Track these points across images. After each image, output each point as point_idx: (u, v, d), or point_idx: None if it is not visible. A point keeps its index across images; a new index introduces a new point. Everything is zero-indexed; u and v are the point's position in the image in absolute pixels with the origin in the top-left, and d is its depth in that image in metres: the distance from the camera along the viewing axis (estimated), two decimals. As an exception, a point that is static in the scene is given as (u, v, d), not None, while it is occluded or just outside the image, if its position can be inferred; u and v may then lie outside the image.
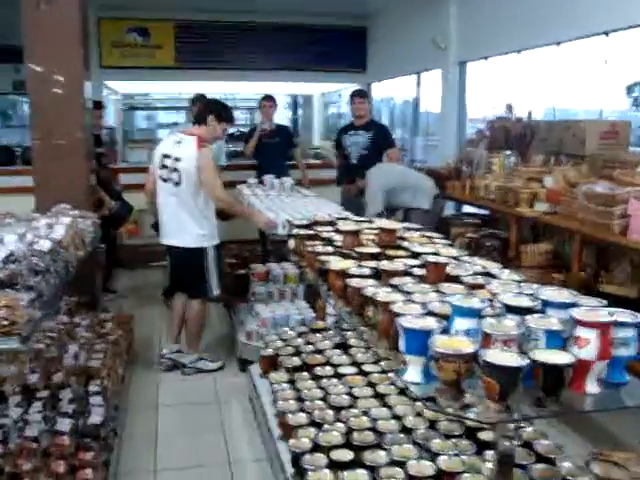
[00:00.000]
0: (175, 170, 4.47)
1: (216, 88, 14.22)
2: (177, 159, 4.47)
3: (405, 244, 3.04)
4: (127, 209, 5.89)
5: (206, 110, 4.62)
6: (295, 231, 3.56)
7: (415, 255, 2.86)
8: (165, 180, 4.54)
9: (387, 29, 12.22)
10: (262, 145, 7.29)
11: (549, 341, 1.86)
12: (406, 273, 2.57)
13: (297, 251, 3.49)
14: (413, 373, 1.96)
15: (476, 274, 2.60)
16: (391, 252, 2.89)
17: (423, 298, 2.23)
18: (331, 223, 3.68)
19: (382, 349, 2.27)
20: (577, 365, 1.79)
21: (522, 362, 1.71)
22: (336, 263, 2.74)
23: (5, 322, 2.25)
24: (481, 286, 2.38)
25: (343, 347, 4.00)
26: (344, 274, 2.62)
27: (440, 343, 1.83)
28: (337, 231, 3.46)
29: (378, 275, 2.59)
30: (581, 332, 1.86)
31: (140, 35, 12.30)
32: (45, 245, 2.97)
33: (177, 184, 4.47)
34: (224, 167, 7.07)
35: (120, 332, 4.40)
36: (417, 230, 3.50)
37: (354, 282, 2.49)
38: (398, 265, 2.63)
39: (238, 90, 14.71)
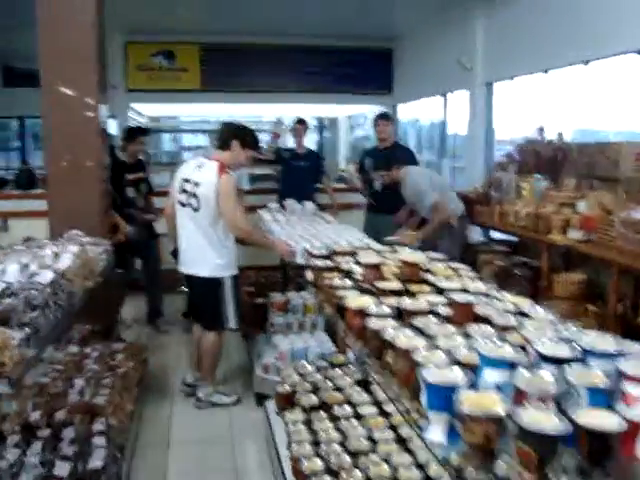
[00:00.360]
0: (194, 195, 4.32)
1: (241, 111, 14.17)
2: (196, 184, 4.31)
3: (429, 278, 2.82)
4: (143, 234, 5.74)
5: (230, 135, 4.46)
6: (313, 262, 3.36)
7: (440, 291, 2.64)
8: (184, 205, 4.39)
9: (413, 50, 12.10)
10: (289, 168, 7.13)
11: (593, 399, 1.62)
12: (430, 312, 2.35)
13: (315, 283, 3.29)
14: (437, 432, 1.74)
15: (507, 312, 2.37)
16: (414, 287, 2.67)
17: (448, 343, 2.00)
18: (352, 253, 3.47)
19: (403, 399, 2.04)
20: (626, 427, 1.55)
21: (562, 428, 1.47)
22: (354, 300, 2.53)
23: (-8, 364, 2.07)
24: (513, 328, 2.15)
25: (364, 384, 3.77)
26: (362, 313, 2.41)
27: (467, 401, 1.60)
28: (357, 263, 3.26)
29: (400, 314, 2.37)
30: (630, 388, 1.63)
31: (166, 58, 12.30)
32: (46, 277, 2.80)
33: (196, 210, 4.32)
34: (246, 191, 6.94)
35: (131, 364, 4.22)
36: (442, 261, 3.29)
37: (372, 322, 2.27)
38: (421, 304, 2.41)
39: (263, 113, 14.63)
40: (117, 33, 11.84)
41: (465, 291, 2.64)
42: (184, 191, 4.39)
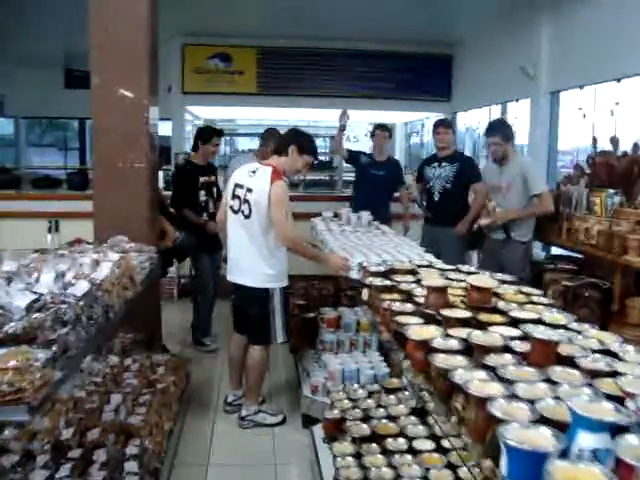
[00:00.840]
0: (246, 202, 4.12)
1: (297, 115, 13.99)
2: (249, 190, 4.11)
3: (500, 305, 2.51)
4: (193, 240, 5.52)
5: (288, 140, 4.27)
6: (369, 280, 3.08)
7: (514, 321, 2.33)
8: (235, 211, 4.19)
9: (473, 57, 11.76)
10: (365, 176, 6.77)
11: None
12: (505, 348, 2.05)
13: (371, 303, 3.02)
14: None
15: (593, 352, 2.06)
16: (484, 316, 2.37)
17: (530, 392, 1.70)
18: (412, 272, 3.19)
19: (474, 454, 1.75)
20: None
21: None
22: (417, 330, 2.24)
23: (10, 389, 1.85)
24: (605, 374, 1.84)
25: (420, 413, 3.47)
26: (426, 346, 2.13)
27: (560, 474, 1.31)
28: (418, 282, 2.98)
29: (469, 349, 2.08)
30: None
31: (222, 61, 12.23)
32: (82, 288, 2.59)
33: (247, 217, 4.11)
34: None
35: (172, 378, 4.01)
36: (512, 283, 2.97)
37: (439, 360, 1.98)
38: (495, 338, 2.10)
39: (320, 117, 14.43)
40: (175, 35, 11.81)
41: (542, 323, 2.34)
42: (236, 197, 4.18)
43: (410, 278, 3.09)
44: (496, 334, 2.13)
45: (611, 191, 5.16)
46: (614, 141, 5.51)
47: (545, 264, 5.54)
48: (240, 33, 11.48)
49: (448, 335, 2.18)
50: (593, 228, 4.74)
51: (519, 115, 10.18)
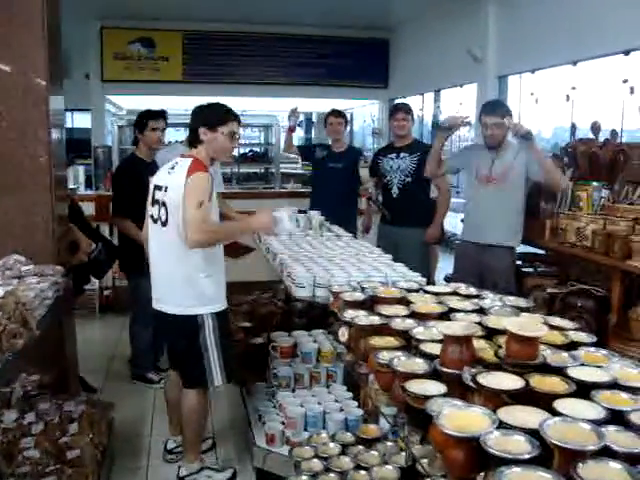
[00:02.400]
0: (163, 205, 3.24)
1: (226, 103, 13.08)
2: (166, 189, 3.24)
3: (551, 359, 1.77)
4: (112, 252, 4.60)
5: (193, 125, 3.33)
6: (349, 316, 2.30)
7: (582, 387, 1.60)
8: (155, 220, 3.32)
9: (413, 40, 11.22)
10: (322, 171, 5.89)
11: None
12: (604, 450, 1.31)
13: (354, 349, 2.24)
14: None
15: None
16: (537, 382, 1.63)
17: None
18: (401, 301, 2.43)
19: None
20: None
21: None
22: (453, 416, 1.47)
23: None
24: None
25: (411, 475, 2.72)
26: (471, 445, 1.37)
27: None
28: (414, 315, 2.23)
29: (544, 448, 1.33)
30: None
31: (145, 46, 11.30)
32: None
33: (164, 224, 3.24)
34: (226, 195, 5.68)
35: (89, 437, 3.12)
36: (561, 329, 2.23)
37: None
38: (581, 431, 1.35)
39: (251, 107, 13.59)
40: (91, 17, 10.78)
41: (618, 386, 1.62)
42: (155, 202, 3.32)
43: (402, 310, 2.33)
44: (583, 425, 1.38)
45: (596, 184, 4.54)
46: (595, 127, 4.89)
47: (522, 267, 4.88)
48: (164, 16, 10.60)
49: (503, 424, 1.42)
50: (587, 228, 4.09)
51: (464, 101, 9.67)
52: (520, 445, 1.34)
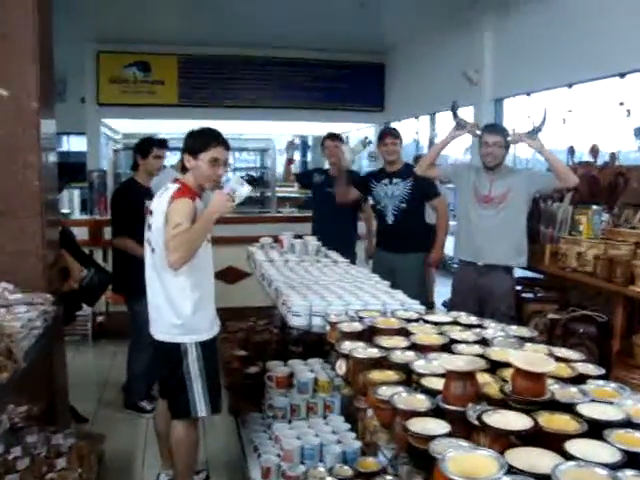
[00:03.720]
0: (150, 229, 3.23)
1: (222, 127, 13.04)
2: (151, 213, 3.24)
3: (560, 395, 1.69)
4: (104, 278, 4.51)
5: (182, 151, 3.29)
6: (347, 348, 2.22)
7: (593, 426, 1.51)
8: (149, 244, 3.27)
9: (408, 64, 11.25)
10: (321, 196, 5.76)
11: None
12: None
13: (352, 382, 2.16)
14: None
15: None
16: (547, 421, 1.54)
17: None
18: (399, 332, 2.34)
19: None
20: None
21: None
22: (459, 461, 1.38)
23: None
24: None
25: (411, 512, 2.61)
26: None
27: None
28: (415, 347, 2.14)
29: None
30: None
31: (140, 70, 11.31)
32: None
33: (153, 250, 3.20)
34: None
35: (77, 474, 3.00)
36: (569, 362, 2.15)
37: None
38: (592, 476, 1.27)
39: (247, 130, 13.58)
40: (87, 42, 10.78)
41: (631, 424, 1.53)
42: (149, 226, 3.27)
43: (401, 341, 2.25)
44: (598, 471, 1.29)
45: (596, 207, 4.48)
46: (594, 151, 4.85)
47: (522, 292, 4.80)
48: (159, 40, 10.64)
49: (513, 469, 1.33)
50: (588, 252, 4.02)
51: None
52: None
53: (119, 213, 4.72)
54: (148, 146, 4.74)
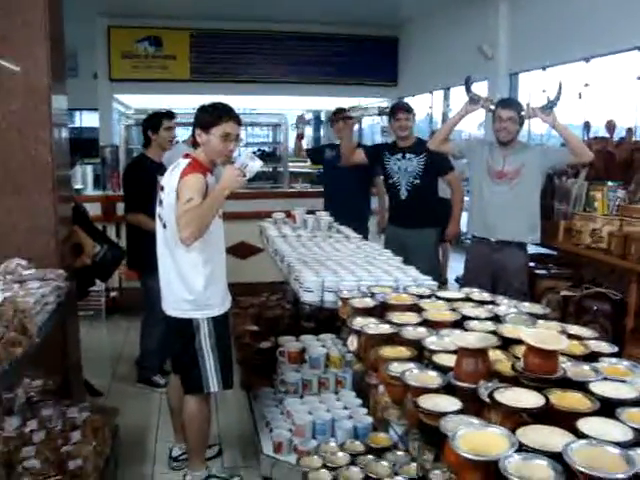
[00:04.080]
0: (160, 204, 3.24)
1: (234, 102, 12.99)
2: (162, 189, 3.23)
3: (572, 373, 1.68)
4: (117, 254, 4.53)
5: (193, 126, 3.28)
6: (359, 324, 2.22)
7: (606, 404, 1.51)
8: (160, 220, 3.27)
9: (422, 39, 11.12)
10: (332, 171, 5.77)
11: None
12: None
13: (364, 358, 2.16)
14: None
15: None
16: (558, 399, 1.54)
17: None
18: (411, 308, 2.34)
19: None
20: None
21: None
22: (471, 437, 1.38)
23: None
24: None
25: (422, 486, 2.63)
26: (487, 468, 1.28)
27: None
28: (427, 323, 2.14)
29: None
30: None
31: (152, 45, 11.24)
32: None
33: (164, 226, 3.20)
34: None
35: (92, 445, 3.04)
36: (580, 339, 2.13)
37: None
38: (611, 458, 1.26)
39: (259, 105, 13.51)
40: (98, 17, 10.73)
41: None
42: (160, 202, 3.27)
43: (413, 317, 2.24)
44: (610, 449, 1.29)
45: (611, 184, 4.43)
46: (610, 126, 4.78)
47: (535, 269, 4.77)
48: (171, 14, 10.55)
49: (524, 447, 1.32)
50: (602, 229, 3.99)
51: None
52: (542, 470, 1.25)
53: (131, 189, 4.72)
54: (157, 120, 4.74)
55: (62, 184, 3.70)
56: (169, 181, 3.15)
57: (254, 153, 3.40)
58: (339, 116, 5.67)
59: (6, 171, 3.40)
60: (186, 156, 3.25)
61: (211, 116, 3.19)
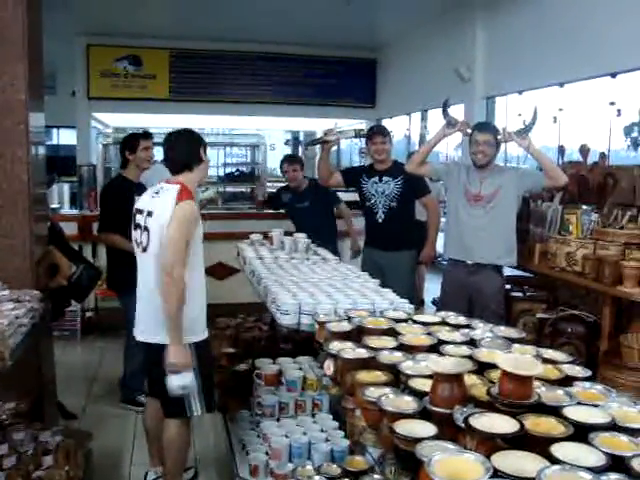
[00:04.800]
0: (145, 229, 3.18)
1: (212, 123, 13.03)
2: (149, 213, 3.17)
3: (546, 398, 1.70)
4: (93, 274, 4.49)
5: (194, 148, 3.26)
6: (335, 348, 2.22)
7: (579, 429, 1.52)
8: (137, 244, 3.25)
9: (399, 61, 11.22)
10: (293, 211, 5.88)
11: None
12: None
13: (340, 382, 2.16)
14: None
15: None
16: (533, 424, 1.55)
17: None
18: (387, 332, 2.35)
19: None
20: None
21: None
22: (445, 464, 1.38)
23: None
24: None
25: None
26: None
27: None
28: (402, 348, 2.15)
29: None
30: None
31: (131, 64, 11.21)
32: None
33: (144, 249, 3.18)
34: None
35: (63, 472, 2.98)
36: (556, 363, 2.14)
37: None
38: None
39: (237, 125, 13.53)
40: (77, 35, 10.70)
41: (616, 427, 1.54)
42: (137, 226, 3.26)
43: (389, 342, 2.25)
44: (583, 475, 1.30)
45: (585, 207, 4.49)
46: (584, 150, 4.85)
47: (511, 291, 4.81)
48: (150, 33, 10.55)
49: (499, 473, 1.33)
50: (577, 252, 4.04)
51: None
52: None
53: (108, 208, 4.68)
54: (135, 140, 4.72)
55: (38, 203, 3.67)
56: (157, 205, 3.13)
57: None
58: (287, 165, 5.82)
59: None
60: (168, 181, 3.23)
61: (202, 140, 3.33)
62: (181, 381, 3.03)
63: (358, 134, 5.42)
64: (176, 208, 3.03)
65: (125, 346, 4.72)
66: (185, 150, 3.28)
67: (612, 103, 6.33)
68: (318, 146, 5.54)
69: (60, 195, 8.08)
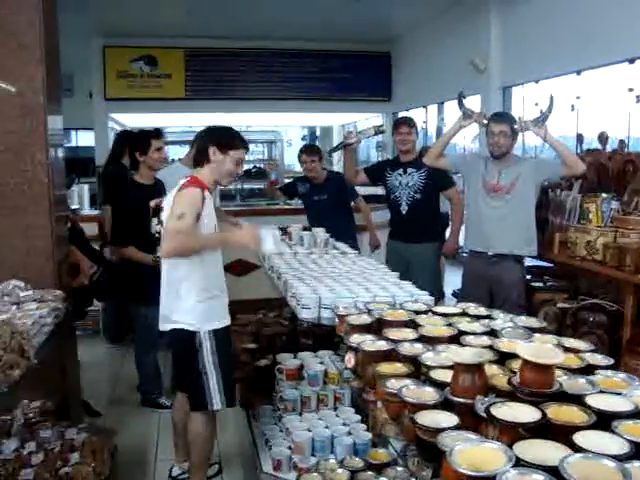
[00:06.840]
0: (160, 223, 3.29)
1: (229, 120, 13.07)
2: (162, 208, 3.27)
3: (568, 386, 1.69)
4: (115, 274, 4.53)
5: (204, 144, 3.24)
6: (356, 341, 2.22)
7: (602, 417, 1.52)
8: (157, 239, 3.33)
9: (414, 53, 11.19)
10: (310, 204, 5.72)
11: None
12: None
13: (361, 375, 2.17)
14: None
15: None
16: (555, 413, 1.54)
17: None
18: (410, 324, 2.35)
19: None
20: None
21: None
22: (467, 453, 1.38)
23: None
24: None
25: (422, 503, 2.62)
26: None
27: None
28: (423, 339, 2.15)
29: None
30: None
31: (147, 64, 11.28)
32: None
33: (159, 241, 3.28)
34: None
35: (91, 466, 3.03)
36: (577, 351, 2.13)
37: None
38: (600, 468, 1.27)
39: (253, 122, 13.57)
40: (93, 37, 10.79)
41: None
42: (160, 222, 3.32)
43: (410, 333, 2.25)
44: (606, 462, 1.30)
45: (605, 195, 4.45)
46: (603, 138, 4.81)
47: (532, 281, 4.78)
48: (165, 33, 10.61)
49: (521, 462, 1.33)
50: (597, 241, 4.01)
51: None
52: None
53: (120, 221, 4.51)
54: (146, 140, 4.44)
55: (58, 204, 3.72)
56: (167, 199, 3.21)
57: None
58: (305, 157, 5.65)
59: (2, 192, 3.41)
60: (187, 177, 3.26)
61: (232, 139, 3.26)
62: (266, 244, 3.09)
63: (378, 131, 5.38)
64: (176, 195, 3.09)
65: (135, 354, 4.74)
66: (197, 148, 3.32)
67: (631, 89, 6.23)
68: (340, 151, 5.49)
69: (80, 196, 8.15)
